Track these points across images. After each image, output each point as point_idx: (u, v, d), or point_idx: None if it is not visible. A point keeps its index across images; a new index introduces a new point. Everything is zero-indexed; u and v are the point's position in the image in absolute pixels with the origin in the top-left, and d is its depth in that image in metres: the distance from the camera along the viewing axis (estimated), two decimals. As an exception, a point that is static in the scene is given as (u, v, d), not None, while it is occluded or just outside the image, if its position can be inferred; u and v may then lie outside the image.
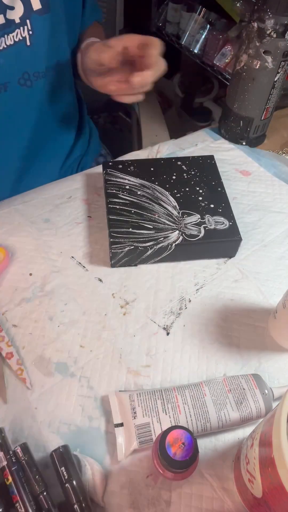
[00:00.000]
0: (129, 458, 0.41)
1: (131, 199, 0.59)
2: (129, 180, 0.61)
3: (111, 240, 0.54)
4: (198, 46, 1.27)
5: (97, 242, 0.59)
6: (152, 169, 0.63)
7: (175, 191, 0.60)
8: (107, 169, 0.62)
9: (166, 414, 0.41)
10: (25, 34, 0.54)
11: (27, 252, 0.57)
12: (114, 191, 0.59)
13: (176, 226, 0.56)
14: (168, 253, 0.55)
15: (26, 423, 0.43)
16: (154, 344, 0.49)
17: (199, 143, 0.76)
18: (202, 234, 0.55)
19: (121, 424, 0.41)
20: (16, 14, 0.52)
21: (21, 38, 0.53)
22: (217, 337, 0.50)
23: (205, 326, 0.51)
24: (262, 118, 0.71)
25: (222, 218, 0.57)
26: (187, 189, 0.60)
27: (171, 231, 0.55)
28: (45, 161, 0.72)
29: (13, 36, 0.53)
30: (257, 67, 0.63)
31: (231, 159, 0.73)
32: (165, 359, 0.48)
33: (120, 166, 0.63)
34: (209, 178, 0.62)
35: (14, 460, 0.37)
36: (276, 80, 0.65)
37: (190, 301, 0.54)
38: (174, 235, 0.55)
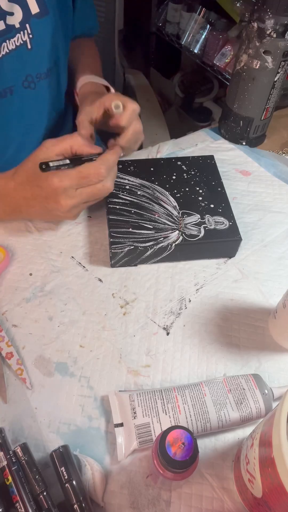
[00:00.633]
0: (129, 458, 0.41)
1: (131, 199, 0.59)
2: (129, 180, 0.61)
3: (111, 240, 0.54)
4: (198, 46, 1.27)
5: (97, 242, 0.59)
6: (152, 169, 0.63)
7: (175, 191, 0.60)
8: (107, 169, 0.62)
9: (166, 414, 0.41)
10: (26, 38, 0.55)
11: (27, 252, 0.57)
12: (114, 191, 0.59)
13: (176, 226, 0.56)
14: (168, 253, 0.55)
15: (26, 423, 0.43)
16: (154, 344, 0.49)
17: (199, 143, 0.76)
18: (202, 234, 0.55)
19: (121, 424, 0.41)
20: (16, 19, 0.53)
21: (22, 42, 0.55)
22: (217, 337, 0.50)
23: (205, 326, 0.51)
24: (262, 118, 0.71)
25: (222, 218, 0.57)
26: (187, 189, 0.60)
27: (171, 231, 0.55)
28: None
29: (14, 41, 0.54)
30: (257, 67, 0.63)
31: (231, 159, 0.73)
32: (165, 359, 0.48)
33: (120, 166, 0.63)
34: (209, 178, 0.62)
35: (14, 460, 0.37)
36: (276, 80, 0.65)
37: (190, 301, 0.54)
38: (174, 235, 0.55)
